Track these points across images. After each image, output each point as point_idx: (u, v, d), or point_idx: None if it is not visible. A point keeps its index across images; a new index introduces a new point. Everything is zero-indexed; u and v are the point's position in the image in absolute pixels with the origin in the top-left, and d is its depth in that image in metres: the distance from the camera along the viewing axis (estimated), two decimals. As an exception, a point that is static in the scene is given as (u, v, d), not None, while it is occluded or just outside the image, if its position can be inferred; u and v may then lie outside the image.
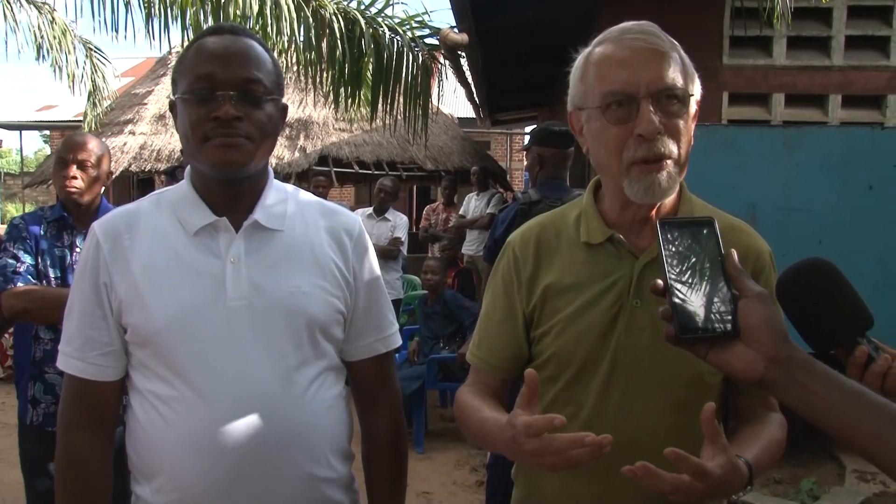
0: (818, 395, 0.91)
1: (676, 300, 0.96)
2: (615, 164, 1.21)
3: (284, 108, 1.40)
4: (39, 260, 2.50)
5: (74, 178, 2.51)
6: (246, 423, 1.27)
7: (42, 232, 2.53)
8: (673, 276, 0.97)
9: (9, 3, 6.11)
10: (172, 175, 5.97)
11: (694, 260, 0.98)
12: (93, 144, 2.58)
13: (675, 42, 1.24)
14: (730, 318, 0.95)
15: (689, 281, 0.97)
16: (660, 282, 0.98)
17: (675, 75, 1.19)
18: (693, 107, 1.23)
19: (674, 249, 0.99)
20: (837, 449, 4.41)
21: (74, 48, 6.86)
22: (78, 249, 2.55)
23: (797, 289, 1.11)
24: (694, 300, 0.96)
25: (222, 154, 1.27)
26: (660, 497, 1.25)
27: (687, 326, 0.95)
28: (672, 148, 1.19)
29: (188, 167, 1.40)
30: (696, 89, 1.24)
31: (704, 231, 1.00)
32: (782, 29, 5.01)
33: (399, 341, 1.55)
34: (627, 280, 1.28)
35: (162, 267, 1.30)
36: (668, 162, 1.19)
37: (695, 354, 0.98)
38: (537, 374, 1.09)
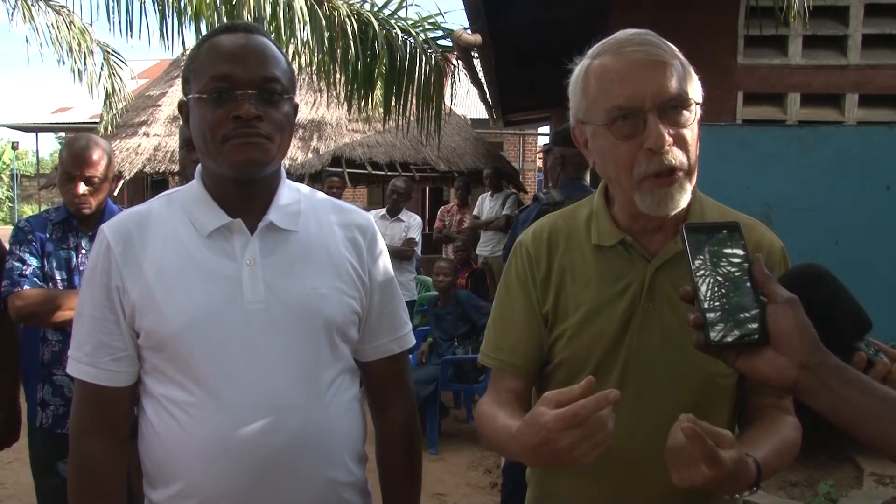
0: (851, 400, 0.90)
1: (705, 307, 0.94)
2: (626, 179, 1.20)
3: (296, 107, 1.38)
4: (45, 262, 2.49)
5: (84, 194, 2.49)
6: (264, 428, 1.25)
7: (48, 234, 2.53)
8: (700, 283, 0.95)
9: (27, 5, 6.13)
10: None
11: (721, 265, 0.96)
12: (97, 156, 2.51)
13: (674, 47, 1.22)
14: (758, 324, 0.93)
15: (717, 287, 0.95)
16: (688, 288, 0.97)
17: (678, 84, 1.17)
18: (697, 112, 1.21)
19: (700, 255, 0.97)
20: (855, 452, 4.36)
21: (92, 52, 6.87)
22: (83, 251, 2.54)
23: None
24: (722, 307, 0.94)
25: (244, 153, 1.24)
26: (673, 499, 1.25)
27: (716, 334, 0.94)
28: (682, 158, 1.17)
29: (198, 167, 1.38)
30: (699, 93, 1.22)
31: (730, 235, 0.99)
32: (798, 28, 4.97)
33: (413, 341, 1.54)
34: (640, 283, 1.27)
35: (175, 269, 1.27)
36: (680, 174, 1.18)
37: (724, 361, 0.97)
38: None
